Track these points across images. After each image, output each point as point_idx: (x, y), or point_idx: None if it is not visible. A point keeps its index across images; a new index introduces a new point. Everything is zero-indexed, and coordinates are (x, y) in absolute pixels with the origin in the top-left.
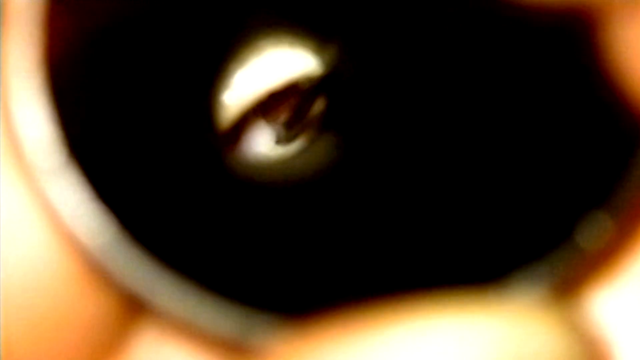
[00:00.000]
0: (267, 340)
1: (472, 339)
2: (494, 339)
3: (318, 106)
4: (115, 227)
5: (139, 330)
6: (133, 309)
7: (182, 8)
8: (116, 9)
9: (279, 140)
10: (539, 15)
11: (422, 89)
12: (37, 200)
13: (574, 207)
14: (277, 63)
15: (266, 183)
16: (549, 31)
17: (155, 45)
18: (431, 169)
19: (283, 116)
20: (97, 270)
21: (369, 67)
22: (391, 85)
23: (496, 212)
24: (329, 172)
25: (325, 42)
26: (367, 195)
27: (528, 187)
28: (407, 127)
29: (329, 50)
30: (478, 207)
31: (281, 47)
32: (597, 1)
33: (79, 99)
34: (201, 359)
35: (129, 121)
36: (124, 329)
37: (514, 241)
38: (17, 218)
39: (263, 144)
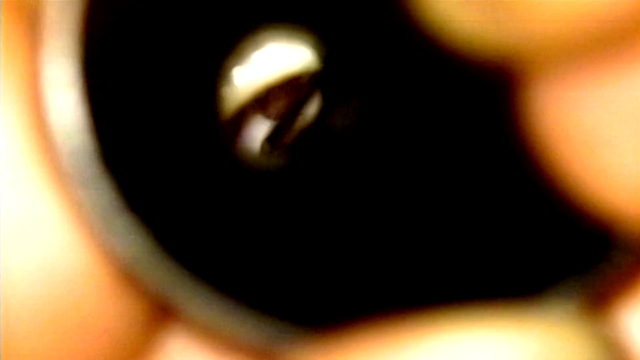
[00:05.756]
0: (295, 350)
1: (505, 354)
2: (526, 354)
3: (316, 100)
4: (147, 237)
5: (166, 337)
6: (161, 316)
7: (180, 3)
8: (124, 8)
9: (277, 136)
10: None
11: (427, 84)
12: (69, 209)
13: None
14: (276, 57)
15: (292, 191)
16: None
17: (158, 43)
18: (463, 180)
19: (290, 110)
20: (125, 278)
21: (368, 61)
22: (392, 80)
23: (530, 226)
24: (345, 173)
25: (325, 36)
26: (397, 205)
27: (563, 202)
28: (413, 124)
29: (329, 44)
30: (512, 220)
31: (280, 41)
32: (519, 62)
33: (112, 108)
34: None
35: (155, 128)
36: (151, 336)
37: (549, 256)
38: (44, 222)
39: (263, 138)
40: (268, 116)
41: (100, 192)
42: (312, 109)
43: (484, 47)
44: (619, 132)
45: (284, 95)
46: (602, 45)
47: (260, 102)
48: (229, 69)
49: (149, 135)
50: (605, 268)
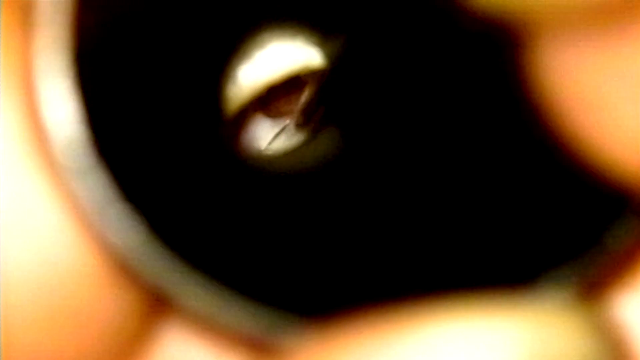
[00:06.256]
0: (291, 340)
1: (498, 342)
2: (519, 342)
3: (319, 98)
4: (143, 227)
5: (163, 329)
6: (157, 307)
7: (184, 2)
8: (124, 5)
9: (290, 133)
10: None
11: (428, 79)
12: (64, 199)
13: (601, 208)
14: (280, 56)
15: (287, 182)
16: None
17: (159, 41)
18: (455, 167)
19: (293, 109)
20: (122, 269)
21: (372, 59)
22: (394, 78)
23: (523, 214)
24: (341, 167)
25: (328, 35)
26: (390, 195)
27: (556, 189)
28: (415, 120)
29: (331, 43)
30: (505, 208)
31: (284, 40)
32: (523, 22)
33: (106, 99)
34: (225, 358)
35: (150, 120)
36: (148, 328)
37: (542, 243)
38: (38, 214)
39: (265, 136)
40: (271, 115)
41: (94, 183)
42: (314, 106)
43: (495, 6)
44: (621, 95)
45: (287, 94)
46: (610, 12)
47: (263, 100)
48: (233, 67)
49: (146, 128)
50: (599, 255)
